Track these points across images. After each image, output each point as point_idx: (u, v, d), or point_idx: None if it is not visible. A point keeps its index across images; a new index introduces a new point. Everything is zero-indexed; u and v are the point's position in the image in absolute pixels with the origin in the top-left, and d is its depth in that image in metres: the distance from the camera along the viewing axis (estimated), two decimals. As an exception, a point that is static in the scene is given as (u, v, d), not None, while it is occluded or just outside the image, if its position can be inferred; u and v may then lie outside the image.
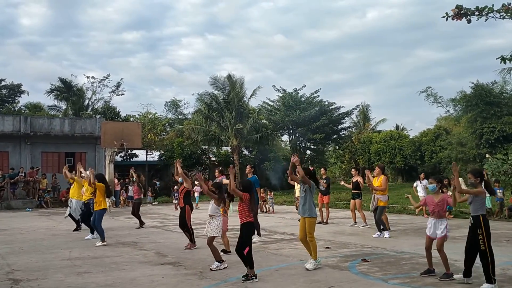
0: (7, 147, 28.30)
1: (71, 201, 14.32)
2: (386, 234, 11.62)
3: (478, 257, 6.60)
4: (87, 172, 13.39)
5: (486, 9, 9.27)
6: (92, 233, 12.50)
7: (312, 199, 8.22)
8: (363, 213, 14.12)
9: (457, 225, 13.37)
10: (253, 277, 7.13)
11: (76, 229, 14.23)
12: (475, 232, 6.62)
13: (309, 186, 8.09)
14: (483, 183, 6.94)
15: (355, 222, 14.30)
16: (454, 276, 6.81)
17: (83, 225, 13.80)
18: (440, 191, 7.67)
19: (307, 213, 8.10)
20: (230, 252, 9.39)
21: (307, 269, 7.84)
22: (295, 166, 8.07)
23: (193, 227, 10.79)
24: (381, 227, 11.79)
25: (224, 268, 8.08)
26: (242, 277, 7.22)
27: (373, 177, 12.16)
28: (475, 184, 6.86)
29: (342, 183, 16.96)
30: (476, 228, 6.61)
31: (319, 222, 14.91)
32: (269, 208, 20.32)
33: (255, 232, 11.33)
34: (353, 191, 14.45)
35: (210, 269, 8.02)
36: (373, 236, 11.77)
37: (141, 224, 15.05)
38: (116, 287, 7.02)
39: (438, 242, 7.27)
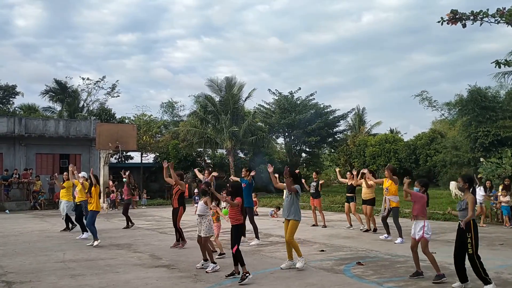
0: (1, 149, 28.13)
1: (60, 202, 14.45)
2: (398, 240, 11.27)
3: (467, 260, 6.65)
4: (82, 174, 13.40)
5: (481, 13, 9.31)
6: (84, 232, 12.59)
7: (298, 202, 8.40)
8: (359, 215, 14.17)
9: (451, 228, 13.39)
10: (247, 275, 7.18)
11: (65, 229, 14.38)
12: (464, 236, 6.67)
13: (294, 192, 8.29)
14: (471, 190, 6.89)
15: (351, 225, 14.33)
16: (453, 285, 6.78)
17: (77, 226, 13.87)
18: (425, 194, 7.68)
19: (292, 216, 8.29)
20: (224, 254, 9.42)
21: (297, 268, 7.92)
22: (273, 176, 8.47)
23: (186, 229, 10.80)
24: (389, 228, 11.71)
25: (217, 269, 8.13)
26: (239, 282, 7.18)
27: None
28: (463, 188, 6.89)
29: (337, 170, 17.06)
30: (465, 232, 6.65)
31: (313, 225, 14.95)
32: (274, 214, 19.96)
33: (245, 234, 11.41)
34: (347, 194, 14.49)
35: (206, 271, 8.05)
36: (380, 237, 11.76)
37: (128, 224, 15.08)
38: (110, 289, 6.99)
39: (421, 244, 7.33)
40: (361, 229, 13.70)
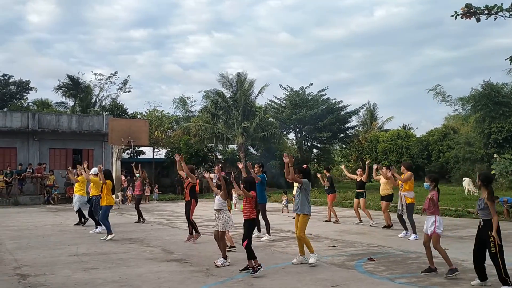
0: (15, 143, 28.47)
1: (74, 196, 14.56)
2: (412, 236, 11.12)
3: (488, 258, 6.52)
4: (92, 170, 13.50)
5: (496, 8, 9.22)
6: (98, 226, 12.68)
7: (307, 197, 8.34)
8: (368, 211, 14.16)
9: (463, 225, 13.32)
10: (259, 267, 7.23)
11: (78, 224, 14.54)
12: (486, 234, 6.51)
13: (301, 184, 8.21)
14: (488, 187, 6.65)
15: (360, 220, 14.29)
16: (472, 283, 6.68)
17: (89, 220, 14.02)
18: (435, 189, 7.59)
19: (299, 210, 8.26)
20: (235, 247, 9.46)
21: (310, 264, 7.91)
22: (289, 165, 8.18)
23: (199, 224, 10.85)
24: (406, 225, 11.48)
25: (228, 265, 8.12)
26: (251, 273, 7.25)
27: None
28: (478, 186, 6.79)
29: (343, 166, 17.13)
30: (487, 230, 6.49)
31: (326, 221, 14.95)
32: (283, 209, 19.93)
33: (260, 229, 11.41)
34: (357, 190, 14.48)
35: (216, 265, 8.05)
36: (399, 236, 11.46)
37: (139, 219, 15.21)
38: (122, 283, 7.04)
39: (432, 239, 7.28)
40: (370, 224, 13.67)
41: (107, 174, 12.11)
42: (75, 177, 14.83)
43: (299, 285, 6.81)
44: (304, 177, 8.37)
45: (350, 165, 44.68)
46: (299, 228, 8.26)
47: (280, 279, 7.16)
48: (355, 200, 14.59)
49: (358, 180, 14.41)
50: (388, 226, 13.06)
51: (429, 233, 7.33)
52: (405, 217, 11.49)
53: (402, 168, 11.81)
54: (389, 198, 13.07)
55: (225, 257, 8.22)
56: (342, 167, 16.99)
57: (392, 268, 7.88)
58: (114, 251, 9.85)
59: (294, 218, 15.70)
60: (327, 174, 15.64)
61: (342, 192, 25.95)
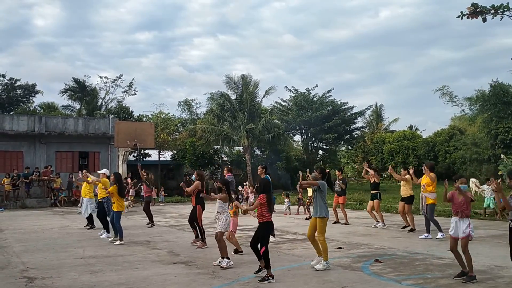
0: (22, 147, 28.61)
1: (82, 199, 14.46)
2: (439, 234, 11.16)
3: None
4: (103, 171, 13.52)
5: (502, 7, 9.17)
6: (108, 231, 12.58)
7: (324, 199, 8.24)
8: (381, 213, 14.04)
9: (475, 226, 13.21)
10: (269, 278, 7.11)
11: (88, 226, 14.49)
12: None
13: (318, 186, 8.16)
14: None
15: (377, 221, 14.01)
16: None
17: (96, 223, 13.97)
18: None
19: (318, 213, 8.17)
20: (242, 251, 9.41)
21: (316, 270, 7.83)
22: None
23: (204, 226, 10.84)
24: (430, 227, 11.40)
25: (232, 265, 8.12)
26: (259, 280, 7.12)
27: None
28: (511, 185, 6.68)
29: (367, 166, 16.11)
30: None
31: (334, 222, 14.86)
32: (285, 211, 19.93)
33: (274, 234, 11.33)
34: (371, 191, 14.32)
35: (221, 267, 8.04)
36: (419, 237, 11.40)
37: (151, 221, 15.16)
38: (129, 285, 7.04)
39: (462, 242, 7.12)
40: (380, 227, 13.58)
41: (118, 178, 11.75)
42: (81, 182, 14.70)
43: (305, 287, 6.79)
44: (323, 178, 8.29)
45: (357, 167, 44.60)
46: (319, 233, 8.17)
47: (286, 281, 7.13)
48: (370, 202, 14.39)
49: (372, 181, 14.29)
50: (409, 229, 12.75)
51: (463, 236, 7.11)
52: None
53: (425, 168, 11.66)
54: (410, 200, 12.78)
55: (228, 257, 8.26)
56: (368, 168, 16.51)
57: (399, 270, 7.84)
58: (121, 254, 9.86)
59: (306, 219, 15.67)
60: (340, 176, 15.47)
61: (348, 194, 25.80)
